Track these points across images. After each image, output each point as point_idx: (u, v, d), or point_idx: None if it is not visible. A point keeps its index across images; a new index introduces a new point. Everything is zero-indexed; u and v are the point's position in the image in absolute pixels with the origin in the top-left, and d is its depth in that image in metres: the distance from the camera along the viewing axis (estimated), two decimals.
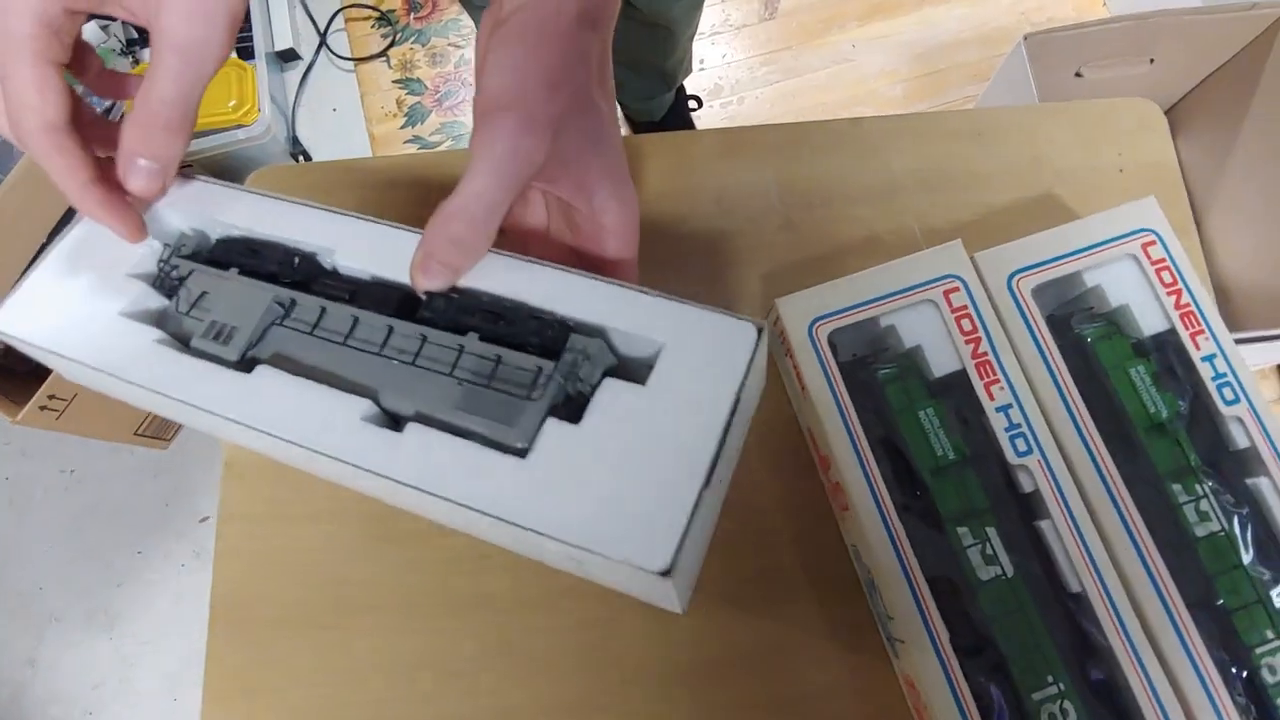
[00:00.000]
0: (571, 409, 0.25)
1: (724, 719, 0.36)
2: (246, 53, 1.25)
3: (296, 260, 0.29)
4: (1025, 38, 0.95)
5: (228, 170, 1.26)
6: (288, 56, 1.35)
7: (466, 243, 0.25)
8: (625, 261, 0.29)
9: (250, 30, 1.27)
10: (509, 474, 0.24)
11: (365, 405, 0.26)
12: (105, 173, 0.28)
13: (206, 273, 0.29)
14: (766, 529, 0.38)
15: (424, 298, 0.27)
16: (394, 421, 0.26)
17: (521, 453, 0.24)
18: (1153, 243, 0.36)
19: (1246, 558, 0.32)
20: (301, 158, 1.32)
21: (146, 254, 0.30)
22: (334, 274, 0.29)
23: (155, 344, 0.28)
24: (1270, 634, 0.32)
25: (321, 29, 1.40)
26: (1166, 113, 1.10)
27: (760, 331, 0.25)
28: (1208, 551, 0.33)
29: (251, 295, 0.28)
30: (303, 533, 0.39)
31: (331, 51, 1.39)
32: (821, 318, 0.35)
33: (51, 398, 0.95)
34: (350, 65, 1.39)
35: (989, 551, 0.33)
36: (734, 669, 0.36)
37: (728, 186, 0.43)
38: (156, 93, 0.25)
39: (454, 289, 0.27)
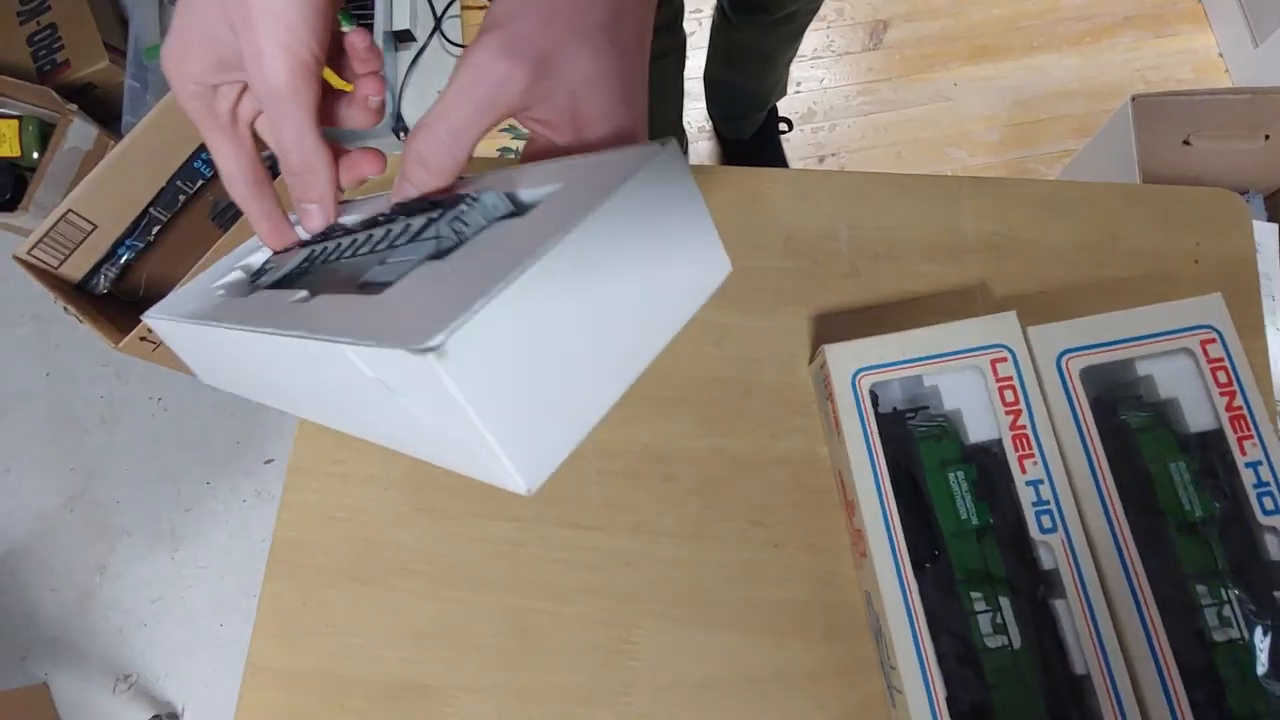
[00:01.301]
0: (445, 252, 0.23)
1: None
2: (366, 30, 1.32)
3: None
4: (1133, 98, 0.93)
5: (333, 139, 1.33)
6: (403, 37, 1.42)
7: (430, 161, 0.25)
8: None
9: (372, 10, 1.34)
10: (360, 306, 0.21)
11: (303, 294, 0.26)
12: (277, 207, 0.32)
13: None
14: (787, 563, 0.39)
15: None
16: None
17: (381, 290, 0.22)
18: (1213, 341, 0.36)
19: (1261, 670, 0.32)
20: (403, 134, 1.39)
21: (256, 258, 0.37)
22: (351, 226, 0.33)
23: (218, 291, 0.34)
24: None
25: (438, 13, 1.46)
26: (1274, 194, 1.06)
27: (664, 146, 0.21)
28: (1223, 657, 0.33)
29: (295, 253, 0.33)
30: (357, 493, 0.42)
31: (444, 36, 1.45)
32: (867, 369, 0.37)
33: (151, 330, 1.04)
34: (459, 51, 1.45)
35: (999, 620, 0.34)
36: (737, 690, 0.38)
37: (798, 227, 0.44)
38: (285, 143, 0.27)
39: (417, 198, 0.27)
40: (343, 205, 0.32)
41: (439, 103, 0.24)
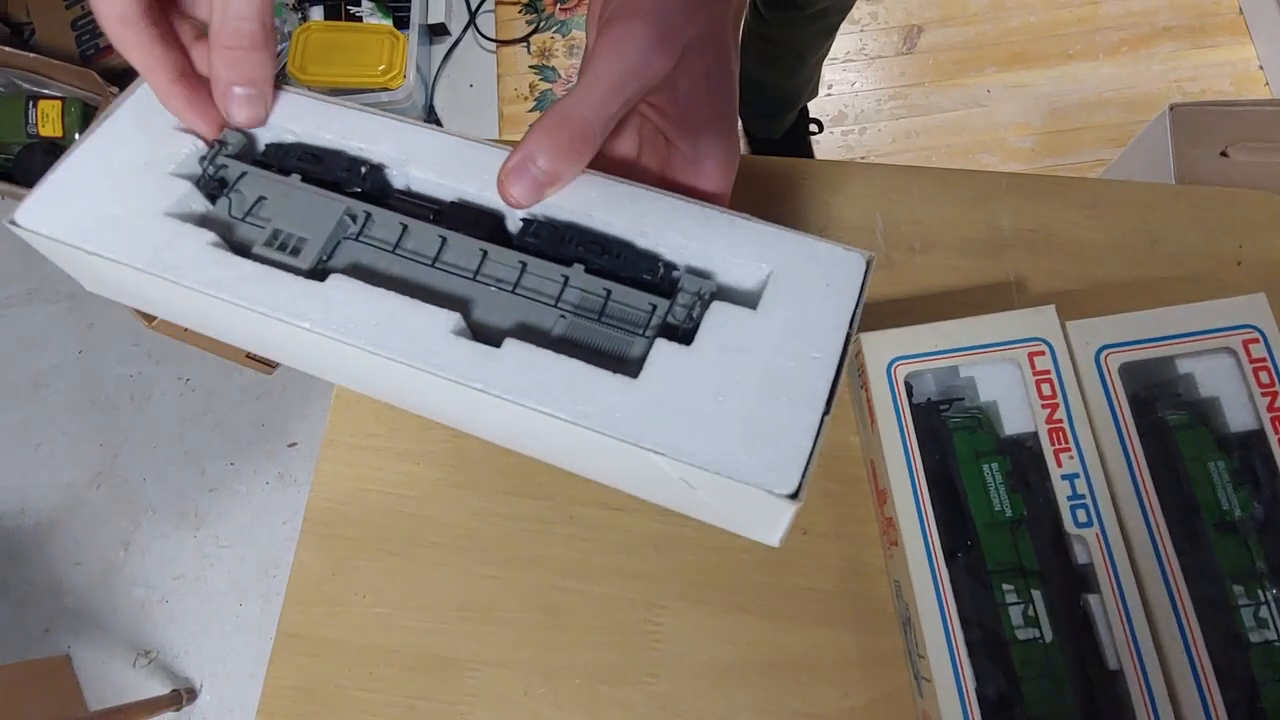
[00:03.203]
0: (681, 335, 0.24)
1: (736, 718, 0.37)
2: (402, 22, 1.34)
3: (364, 170, 0.27)
4: (1171, 107, 0.92)
5: None
6: (438, 30, 1.44)
7: (570, 151, 0.23)
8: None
9: (408, 2, 1.35)
10: (619, 392, 0.23)
11: (457, 319, 0.24)
12: (190, 66, 0.27)
13: (264, 177, 0.27)
14: (816, 549, 0.39)
15: (520, 222, 0.26)
16: (494, 339, 0.24)
17: (633, 373, 0.23)
18: (1256, 341, 0.35)
19: None
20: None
21: (191, 153, 0.27)
22: (408, 192, 0.28)
23: (210, 247, 0.25)
24: None
25: (472, 8, 1.47)
26: None
27: (869, 262, 0.25)
28: (1259, 658, 0.32)
29: (320, 205, 0.26)
30: (391, 466, 0.43)
31: (478, 31, 1.47)
32: (902, 358, 0.37)
33: None
34: (493, 46, 1.46)
35: (1031, 613, 0.34)
36: (761, 676, 0.38)
37: (834, 218, 0.45)
38: (232, 11, 0.24)
39: (553, 220, 0.26)
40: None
41: (584, 89, 0.23)
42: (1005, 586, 0.34)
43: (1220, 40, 1.30)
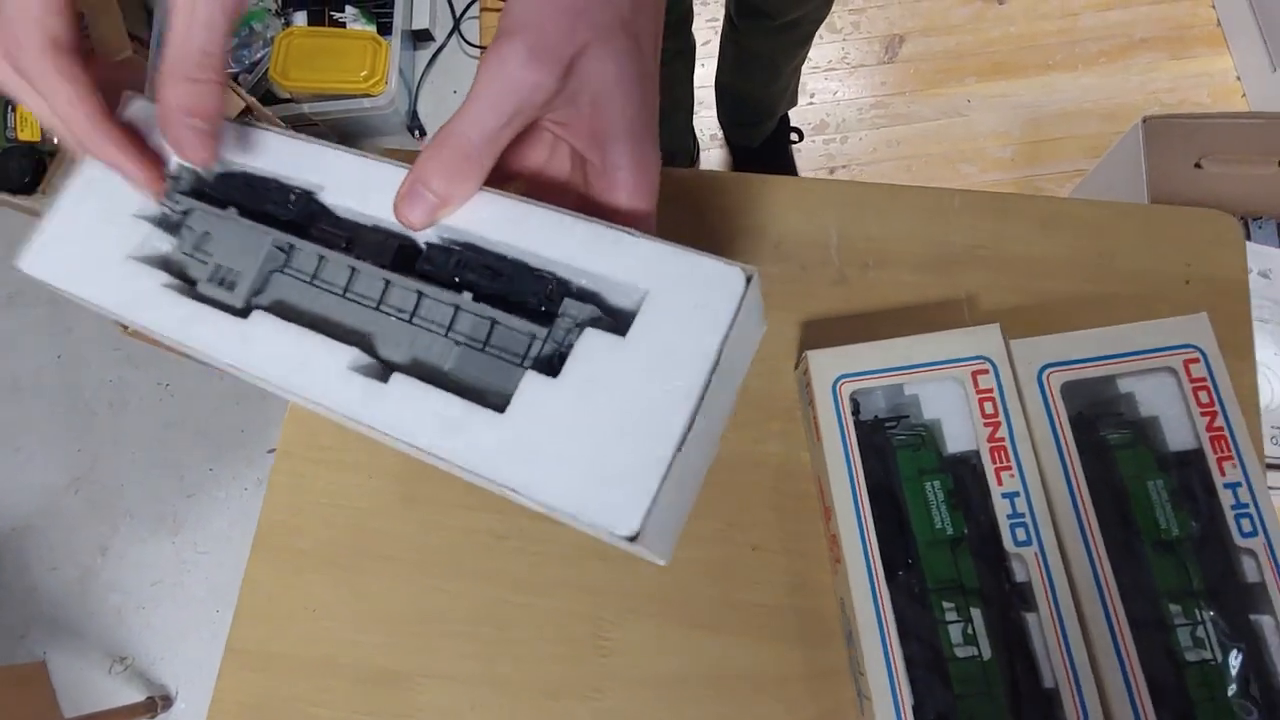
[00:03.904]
0: (553, 365, 0.25)
1: None
2: (385, 28, 1.34)
3: (292, 198, 0.29)
4: (1144, 119, 0.93)
5: (348, 135, 1.35)
6: (422, 37, 1.44)
7: (457, 172, 0.24)
8: (637, 218, 0.26)
9: (392, 8, 1.35)
10: (486, 427, 0.24)
11: (354, 354, 0.26)
12: (108, 110, 0.26)
13: (208, 212, 0.29)
14: (765, 565, 0.39)
15: (422, 247, 0.27)
16: (384, 372, 0.26)
17: (500, 407, 0.24)
18: (1196, 360, 0.36)
19: (1232, 691, 0.32)
20: (418, 132, 1.40)
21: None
22: (331, 216, 0.29)
23: (162, 288, 0.28)
24: None
25: (457, 14, 1.47)
26: None
27: (749, 280, 0.23)
28: (1194, 678, 0.33)
29: (252, 238, 0.28)
30: (342, 479, 0.43)
31: (463, 37, 1.47)
32: (848, 375, 0.37)
33: None
34: (477, 52, 1.46)
35: (969, 631, 0.34)
36: (708, 689, 0.38)
37: (790, 233, 0.45)
38: (195, 43, 0.23)
39: (454, 242, 0.26)
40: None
41: (463, 112, 0.23)
42: (945, 604, 0.34)
43: (1198, 52, 1.31)
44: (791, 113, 1.26)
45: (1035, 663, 0.33)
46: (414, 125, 1.40)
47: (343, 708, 0.39)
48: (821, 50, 1.37)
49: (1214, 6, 1.33)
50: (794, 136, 1.29)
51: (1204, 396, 0.35)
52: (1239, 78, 1.29)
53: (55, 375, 1.33)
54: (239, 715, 0.39)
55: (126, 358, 1.33)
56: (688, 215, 0.46)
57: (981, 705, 0.33)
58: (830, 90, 1.35)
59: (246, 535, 1.23)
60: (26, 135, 1.21)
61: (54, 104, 0.25)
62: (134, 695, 1.15)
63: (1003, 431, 0.35)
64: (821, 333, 0.43)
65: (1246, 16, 1.25)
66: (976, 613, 0.34)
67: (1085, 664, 0.32)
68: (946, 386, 0.37)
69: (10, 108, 1.22)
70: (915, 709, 0.33)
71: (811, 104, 1.34)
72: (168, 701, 1.15)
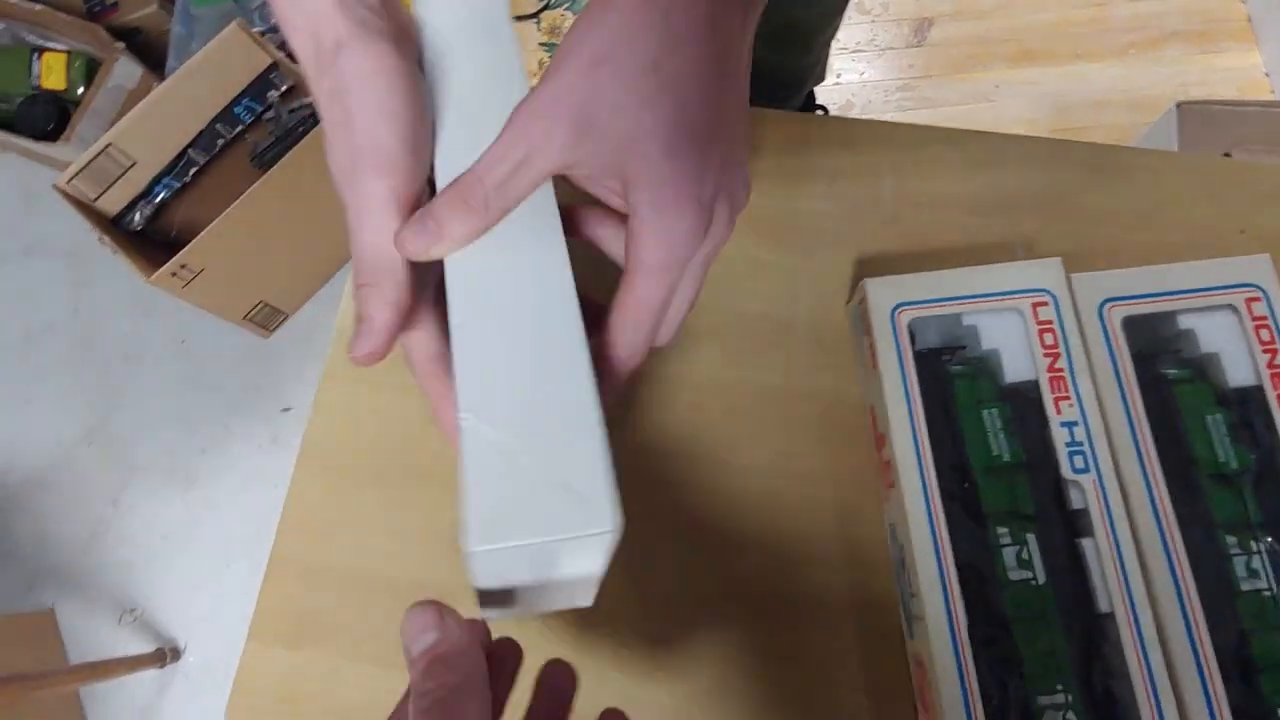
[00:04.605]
0: None
1: (726, 653, 0.38)
2: None
3: None
4: (1178, 105, 0.92)
5: None
6: None
7: (459, 226, 0.24)
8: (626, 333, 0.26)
9: None
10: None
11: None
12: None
13: None
14: (813, 494, 0.39)
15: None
16: None
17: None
18: (1258, 299, 0.36)
19: None
20: None
21: None
22: None
23: None
24: None
25: None
26: None
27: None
28: (1248, 607, 0.33)
29: None
30: (387, 398, 0.43)
31: None
32: (906, 304, 0.37)
33: (183, 267, 1.05)
34: None
35: (1024, 556, 0.34)
36: (750, 613, 0.38)
37: (842, 173, 0.45)
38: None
39: None
40: None
41: (481, 160, 0.23)
42: (1000, 530, 0.34)
43: (1227, 46, 1.30)
44: (817, 92, 1.25)
45: (1090, 587, 0.33)
46: None
47: (385, 620, 0.39)
48: (850, 31, 1.36)
49: (1245, 2, 1.32)
50: (819, 113, 1.29)
51: (1265, 334, 0.35)
52: (1268, 74, 1.28)
53: (71, 327, 1.33)
54: (282, 622, 0.40)
55: (143, 313, 1.33)
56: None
57: (1036, 627, 0.33)
58: (857, 71, 1.35)
59: (259, 493, 1.23)
60: (51, 84, 1.21)
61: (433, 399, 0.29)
62: (142, 646, 1.15)
63: (1062, 362, 0.35)
64: (874, 270, 0.42)
65: (1277, 13, 1.25)
66: (1031, 538, 0.34)
67: (1141, 589, 0.32)
68: (1006, 318, 0.37)
69: (36, 54, 1.21)
70: (969, 629, 0.33)
71: (838, 84, 1.34)
72: (176, 654, 1.15)
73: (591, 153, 0.23)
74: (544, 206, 0.27)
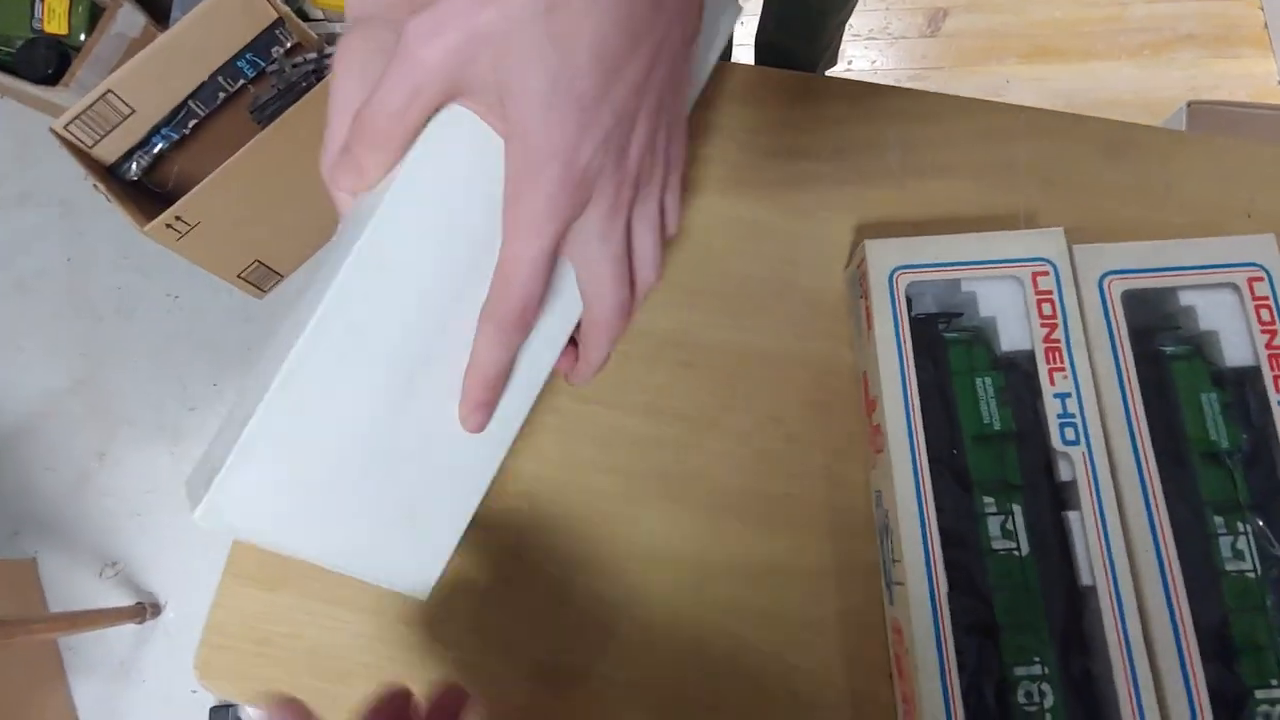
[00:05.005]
0: None
1: (708, 617, 0.37)
2: None
3: None
4: (1189, 104, 0.92)
5: None
6: None
7: (368, 146, 0.25)
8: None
9: None
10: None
11: None
12: None
13: None
14: (800, 459, 0.39)
15: None
16: None
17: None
18: (1260, 279, 0.35)
19: (1270, 602, 0.32)
20: None
21: None
22: None
23: None
24: (1275, 682, 0.31)
25: None
26: None
27: None
28: (1232, 587, 0.32)
29: None
30: None
31: None
32: (905, 267, 0.36)
33: (178, 219, 1.04)
34: None
35: (1009, 526, 0.33)
36: (732, 576, 0.38)
37: (848, 137, 0.44)
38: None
39: None
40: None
41: (375, 92, 0.23)
42: (986, 499, 0.34)
43: (1242, 52, 1.29)
44: (828, 74, 1.24)
45: (1073, 560, 0.33)
46: None
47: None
48: (863, 18, 1.35)
49: (1262, 8, 1.31)
50: None
51: (1265, 315, 0.35)
52: None
53: (63, 277, 1.32)
54: (257, 563, 0.39)
55: (136, 266, 1.31)
56: (749, 111, 0.45)
57: (1017, 598, 0.32)
58: (869, 59, 1.34)
59: None
60: (53, 28, 1.19)
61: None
62: (123, 600, 1.15)
63: (1059, 333, 0.35)
64: (876, 234, 0.42)
65: None
66: (1017, 509, 0.34)
67: (1124, 563, 0.32)
68: (1005, 285, 0.36)
69: None
70: (949, 596, 0.32)
71: (849, 71, 1.33)
72: (156, 609, 1.15)
73: (477, 92, 0.23)
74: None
